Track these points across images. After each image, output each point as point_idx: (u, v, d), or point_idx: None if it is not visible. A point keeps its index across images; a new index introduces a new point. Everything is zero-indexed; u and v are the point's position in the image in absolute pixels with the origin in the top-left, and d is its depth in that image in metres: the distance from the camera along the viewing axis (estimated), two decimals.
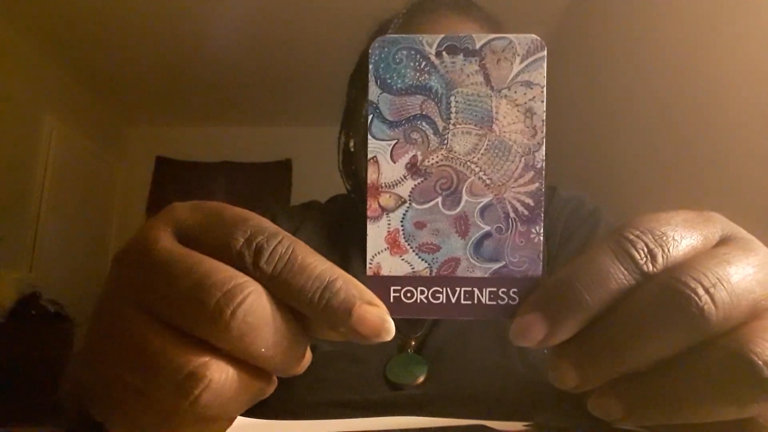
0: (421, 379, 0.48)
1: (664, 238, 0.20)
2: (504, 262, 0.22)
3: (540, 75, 0.22)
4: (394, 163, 0.23)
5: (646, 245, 0.20)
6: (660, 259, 0.20)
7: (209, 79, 3.27)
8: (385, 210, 0.23)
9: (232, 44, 2.88)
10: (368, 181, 0.23)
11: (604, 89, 2.16)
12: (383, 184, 0.23)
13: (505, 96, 0.22)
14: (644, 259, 0.20)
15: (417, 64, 0.23)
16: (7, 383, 2.11)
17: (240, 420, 0.44)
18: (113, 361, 0.21)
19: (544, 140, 0.22)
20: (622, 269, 0.20)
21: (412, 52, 0.23)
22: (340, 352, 0.50)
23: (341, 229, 0.62)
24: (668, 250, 0.20)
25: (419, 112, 0.23)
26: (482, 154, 0.22)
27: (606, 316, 0.20)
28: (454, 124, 0.23)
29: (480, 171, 0.22)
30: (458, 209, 0.22)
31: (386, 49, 0.23)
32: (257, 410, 0.52)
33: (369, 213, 0.23)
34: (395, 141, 0.23)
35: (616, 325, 0.19)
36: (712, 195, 1.45)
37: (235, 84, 3.33)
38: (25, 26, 2.73)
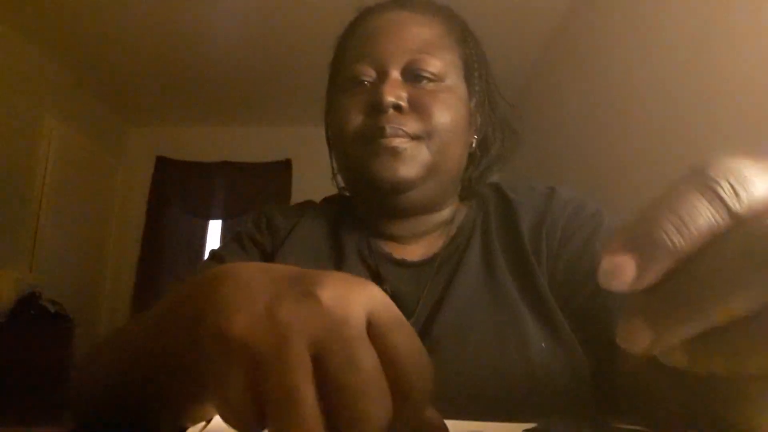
0: None
1: (747, 180, 0.18)
2: None
3: None
4: None
5: (732, 186, 0.18)
6: (745, 202, 0.18)
7: (209, 79, 3.27)
8: None
9: (233, 44, 2.88)
10: None
11: (604, 90, 2.16)
12: None
13: None
14: (732, 198, 0.18)
15: None
16: (7, 383, 2.11)
17: None
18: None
19: None
20: (712, 209, 0.18)
21: None
22: None
23: (338, 225, 0.63)
24: (752, 193, 0.18)
25: None
26: None
27: (688, 264, 0.18)
28: None
29: None
30: None
31: None
32: None
33: None
34: None
35: (701, 274, 0.18)
36: None
37: (235, 84, 3.33)
38: (25, 26, 2.73)
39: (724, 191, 0.18)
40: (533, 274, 0.54)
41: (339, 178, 0.66)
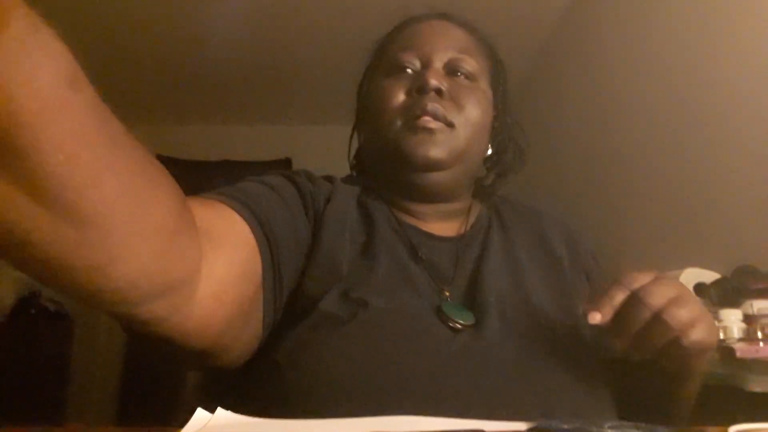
0: (471, 321, 0.54)
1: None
2: None
3: None
4: None
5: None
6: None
7: (209, 77, 3.27)
8: None
9: (232, 43, 2.88)
10: None
11: (605, 88, 2.16)
12: None
13: None
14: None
15: None
16: (7, 382, 2.12)
17: (241, 418, 0.44)
18: None
19: None
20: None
21: None
22: (393, 309, 0.53)
23: (364, 198, 0.65)
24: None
25: None
26: None
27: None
28: None
29: None
30: None
31: None
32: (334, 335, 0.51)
33: None
34: None
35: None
36: (712, 203, 1.45)
37: (235, 82, 3.33)
38: None
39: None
40: (557, 264, 0.65)
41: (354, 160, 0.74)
